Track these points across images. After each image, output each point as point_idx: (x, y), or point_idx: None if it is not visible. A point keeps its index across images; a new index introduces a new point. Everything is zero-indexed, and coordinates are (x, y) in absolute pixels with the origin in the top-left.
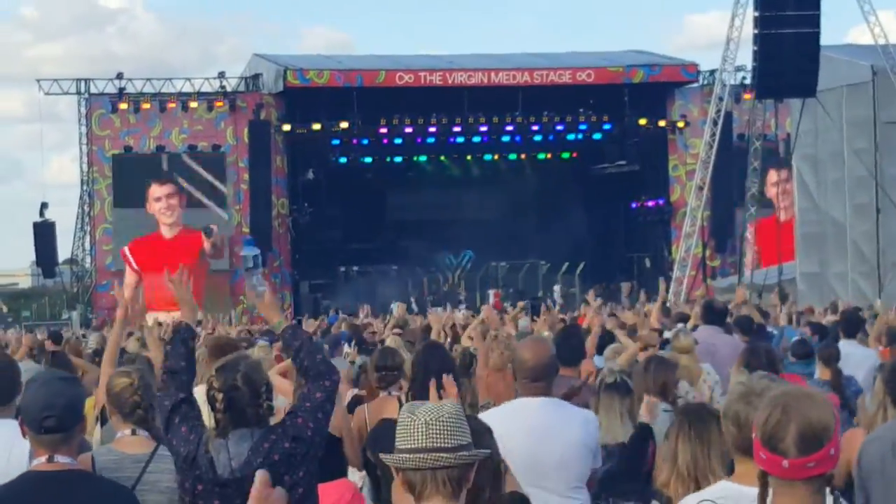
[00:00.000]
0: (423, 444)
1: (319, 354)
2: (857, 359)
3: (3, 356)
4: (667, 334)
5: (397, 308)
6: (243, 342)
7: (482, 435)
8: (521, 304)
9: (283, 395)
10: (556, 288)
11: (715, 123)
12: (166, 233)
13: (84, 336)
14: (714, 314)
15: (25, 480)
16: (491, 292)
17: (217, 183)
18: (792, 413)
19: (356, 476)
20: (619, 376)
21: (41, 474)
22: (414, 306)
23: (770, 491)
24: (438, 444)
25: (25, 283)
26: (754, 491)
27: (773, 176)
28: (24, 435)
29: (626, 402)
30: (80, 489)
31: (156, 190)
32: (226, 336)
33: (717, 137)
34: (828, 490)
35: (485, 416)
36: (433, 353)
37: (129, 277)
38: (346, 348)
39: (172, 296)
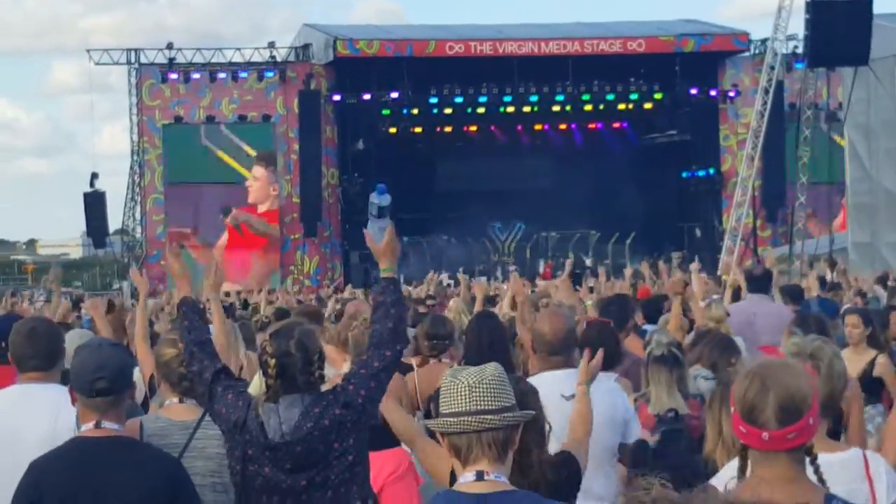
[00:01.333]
0: (468, 408)
1: (392, 322)
2: None
3: (45, 321)
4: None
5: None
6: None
7: (527, 396)
8: (568, 263)
9: (332, 364)
10: (541, 262)
11: (766, 92)
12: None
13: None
14: (756, 281)
15: (73, 446)
16: (542, 262)
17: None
18: (770, 384)
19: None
20: (666, 348)
21: (89, 440)
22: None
23: (749, 463)
24: (483, 407)
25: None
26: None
27: None
28: (73, 402)
29: (675, 373)
30: (127, 456)
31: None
32: (310, 304)
33: (768, 107)
34: (808, 460)
35: (538, 378)
36: (486, 323)
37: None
38: None
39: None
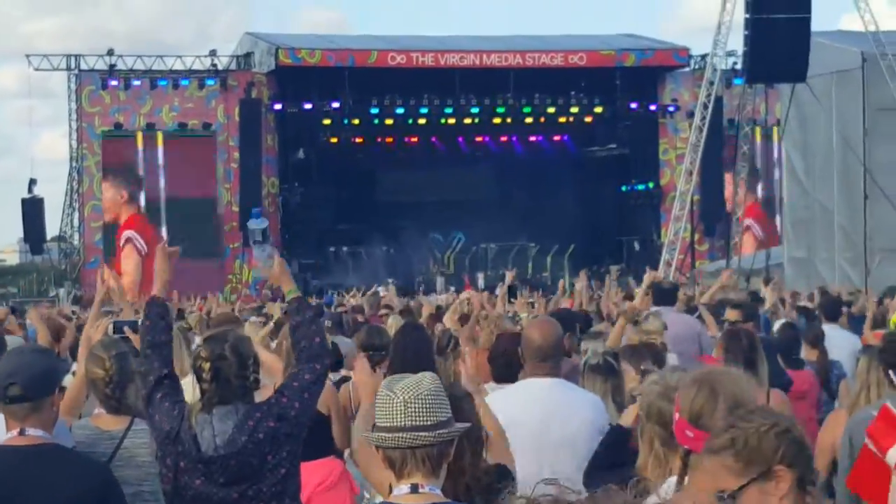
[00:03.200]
0: (403, 423)
1: (318, 337)
2: (838, 342)
3: None
4: None
5: (384, 289)
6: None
7: (462, 401)
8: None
9: (271, 374)
10: (480, 275)
11: (705, 107)
12: None
13: (74, 314)
14: (663, 294)
15: None
16: (440, 278)
17: None
18: (719, 389)
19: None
20: (601, 358)
21: (12, 449)
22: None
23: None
24: (418, 423)
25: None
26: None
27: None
28: None
29: (610, 384)
30: (54, 464)
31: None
32: (229, 312)
33: (707, 122)
34: None
35: (494, 396)
36: (411, 335)
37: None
38: None
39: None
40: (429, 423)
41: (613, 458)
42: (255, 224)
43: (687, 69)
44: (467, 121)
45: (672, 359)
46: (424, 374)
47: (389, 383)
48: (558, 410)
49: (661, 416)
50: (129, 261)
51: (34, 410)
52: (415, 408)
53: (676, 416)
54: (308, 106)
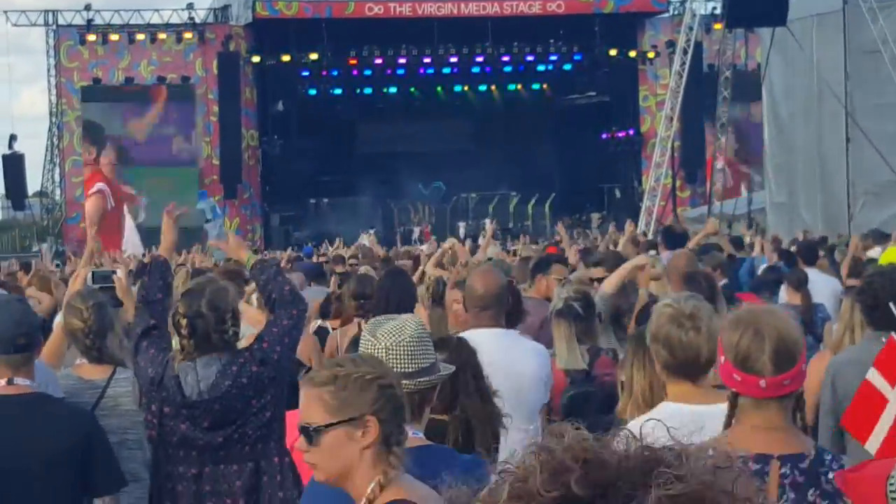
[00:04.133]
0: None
1: (287, 286)
2: (819, 286)
3: None
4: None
5: (367, 238)
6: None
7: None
8: (489, 228)
9: (254, 324)
10: (487, 221)
11: (685, 53)
12: None
13: (59, 266)
14: (675, 238)
15: None
16: (417, 228)
17: None
18: (765, 331)
19: None
20: (564, 303)
21: (3, 398)
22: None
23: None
24: (399, 369)
25: None
26: (694, 408)
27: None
28: None
29: (579, 327)
30: (41, 412)
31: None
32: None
33: (686, 67)
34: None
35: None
36: (396, 280)
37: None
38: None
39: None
40: (410, 369)
41: (580, 408)
42: (203, 204)
43: (666, 15)
44: (446, 70)
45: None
46: (408, 319)
47: (372, 328)
48: (502, 362)
49: (668, 340)
50: (93, 209)
51: (28, 361)
52: (396, 354)
53: (721, 358)
54: (286, 58)
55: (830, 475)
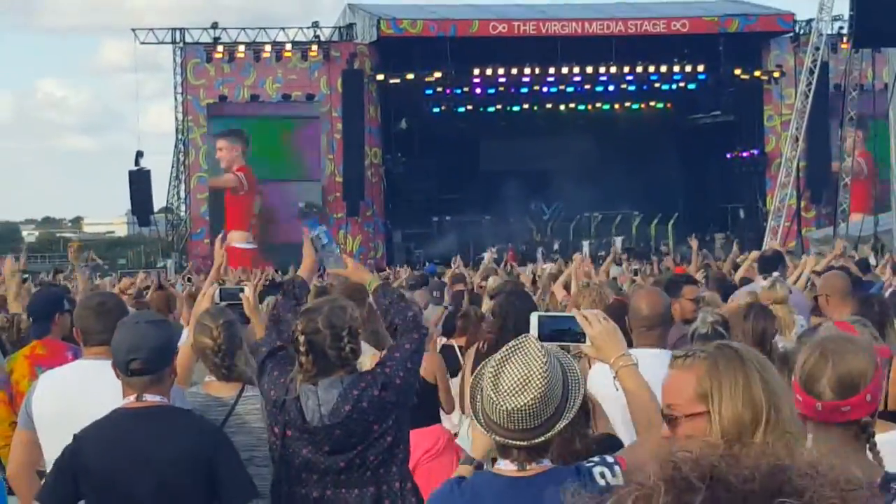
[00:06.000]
0: (507, 426)
1: (410, 312)
2: None
3: (112, 296)
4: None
5: (487, 256)
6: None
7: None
8: (614, 248)
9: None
10: (617, 240)
11: (811, 73)
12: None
13: (190, 280)
14: (767, 262)
15: (114, 416)
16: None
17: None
18: (830, 357)
19: (455, 418)
20: (710, 327)
21: (130, 410)
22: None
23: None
24: (522, 426)
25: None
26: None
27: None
28: (117, 376)
29: None
30: (168, 424)
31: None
32: (354, 283)
33: (812, 87)
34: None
35: (595, 367)
36: (515, 301)
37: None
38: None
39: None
40: (536, 424)
41: None
42: (316, 231)
43: (792, 34)
44: (569, 89)
45: (800, 320)
46: (531, 371)
47: (494, 378)
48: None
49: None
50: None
51: (154, 382)
52: (519, 417)
53: (794, 377)
54: (410, 76)
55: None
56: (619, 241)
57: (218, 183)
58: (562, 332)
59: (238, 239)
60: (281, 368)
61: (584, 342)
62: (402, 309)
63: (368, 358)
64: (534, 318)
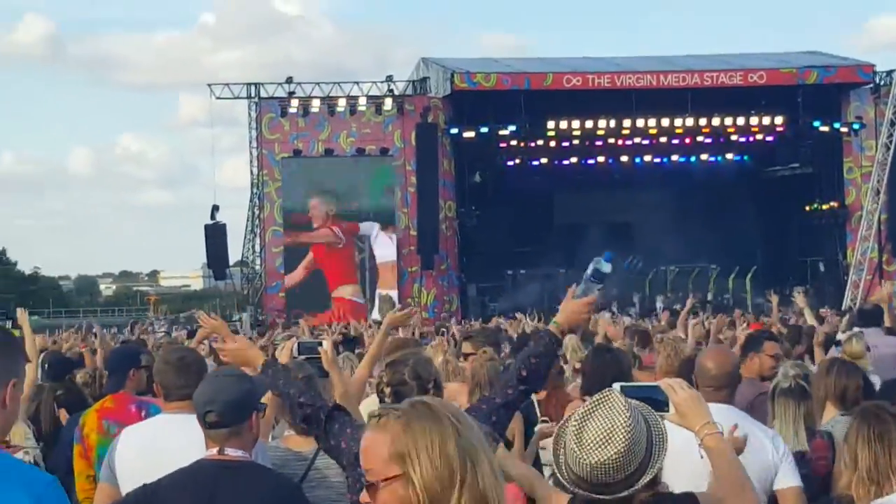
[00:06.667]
0: (590, 479)
1: (535, 366)
2: None
3: (192, 351)
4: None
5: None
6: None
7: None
8: (689, 302)
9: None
10: (659, 298)
11: (892, 125)
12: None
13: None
14: (866, 316)
15: (196, 466)
16: (659, 298)
17: None
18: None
19: None
20: (793, 381)
21: (210, 462)
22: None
23: None
24: (606, 480)
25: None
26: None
27: None
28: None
29: (803, 408)
30: (249, 479)
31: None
32: (406, 336)
33: (894, 139)
34: None
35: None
36: (604, 357)
37: None
38: None
39: None
40: (619, 478)
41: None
42: (601, 265)
43: (872, 86)
44: (645, 142)
45: (875, 380)
46: (615, 425)
47: (578, 429)
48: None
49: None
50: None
51: (233, 435)
52: (603, 471)
53: None
54: (484, 129)
55: None
56: (659, 299)
57: (311, 238)
58: (644, 401)
59: (351, 293)
60: (352, 425)
61: (668, 411)
62: (532, 362)
63: None
64: (616, 388)
